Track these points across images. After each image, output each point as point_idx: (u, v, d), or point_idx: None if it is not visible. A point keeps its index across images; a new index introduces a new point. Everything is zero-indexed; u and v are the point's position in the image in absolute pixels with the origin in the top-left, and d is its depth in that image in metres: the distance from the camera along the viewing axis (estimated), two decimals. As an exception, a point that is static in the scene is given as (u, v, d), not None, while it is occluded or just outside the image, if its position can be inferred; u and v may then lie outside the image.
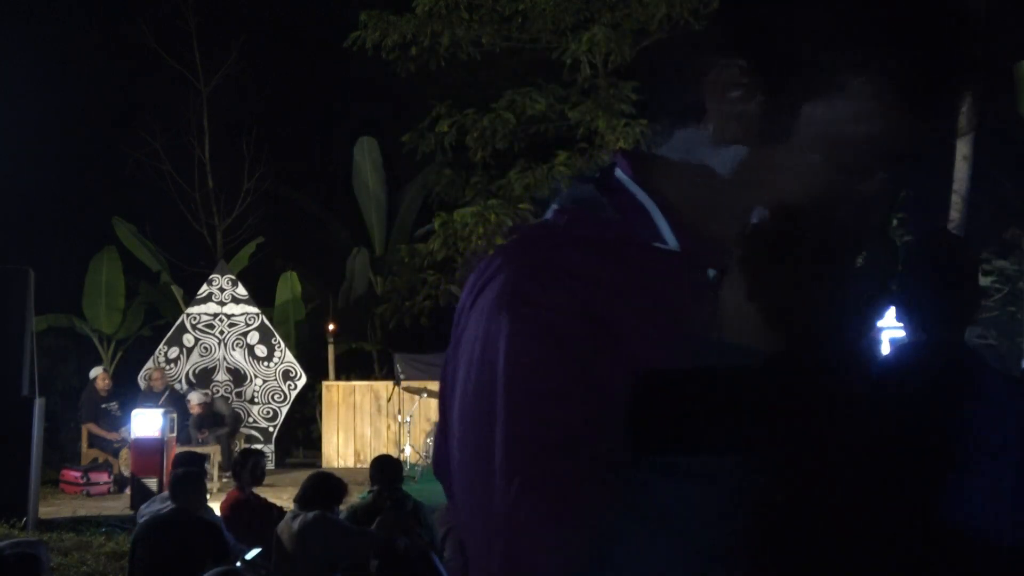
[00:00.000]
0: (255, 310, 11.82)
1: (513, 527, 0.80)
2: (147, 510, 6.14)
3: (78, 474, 10.02)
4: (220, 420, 10.30)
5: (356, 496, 5.57)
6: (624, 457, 0.78)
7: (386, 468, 5.40)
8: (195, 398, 10.38)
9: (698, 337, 0.83)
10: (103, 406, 10.50)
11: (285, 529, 4.85)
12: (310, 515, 4.78)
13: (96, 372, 10.77)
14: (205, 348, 11.68)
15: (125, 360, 13.96)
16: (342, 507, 5.22)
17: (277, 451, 11.95)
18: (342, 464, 11.72)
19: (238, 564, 5.01)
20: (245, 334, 11.74)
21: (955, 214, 12.29)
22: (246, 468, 5.94)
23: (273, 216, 16.54)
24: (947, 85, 0.81)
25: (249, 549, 5.08)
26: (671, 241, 0.88)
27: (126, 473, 9.51)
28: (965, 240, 2.27)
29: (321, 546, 4.69)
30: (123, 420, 10.07)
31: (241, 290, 11.84)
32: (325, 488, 4.98)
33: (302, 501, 4.92)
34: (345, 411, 11.89)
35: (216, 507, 6.02)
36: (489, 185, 13.92)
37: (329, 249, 16.74)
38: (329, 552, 4.72)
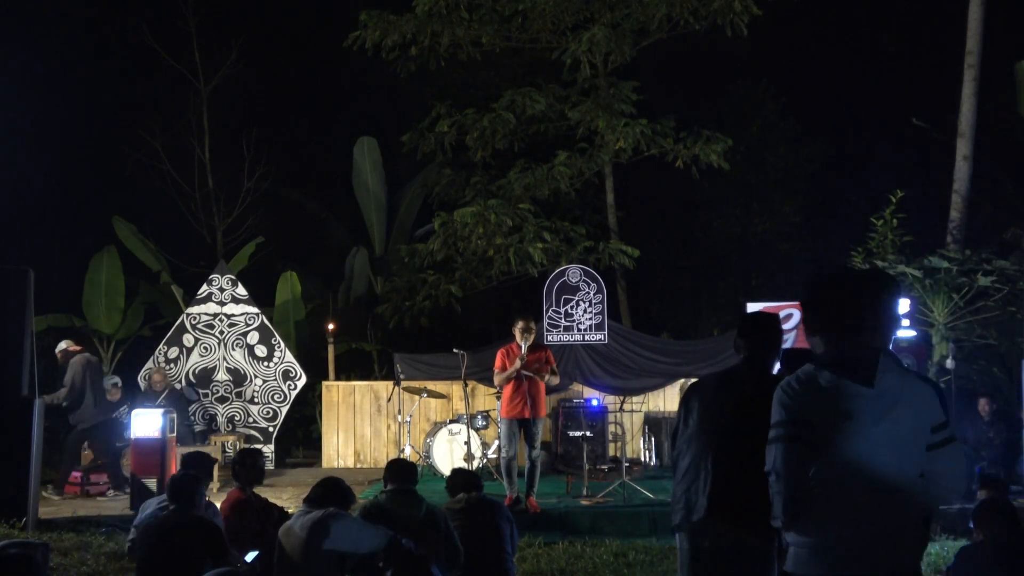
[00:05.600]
0: (255, 310, 11.82)
1: None
2: (145, 513, 6.14)
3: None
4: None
5: (359, 497, 5.53)
6: None
7: (400, 470, 5.35)
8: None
9: None
10: (113, 415, 10.33)
11: (290, 529, 4.81)
12: (320, 512, 4.75)
13: (111, 381, 10.63)
14: (205, 348, 11.68)
15: (125, 360, 13.95)
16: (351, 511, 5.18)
17: (277, 451, 11.95)
18: (342, 464, 11.72)
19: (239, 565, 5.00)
20: (245, 334, 11.74)
21: (955, 214, 12.26)
22: (244, 467, 5.92)
23: (273, 216, 16.52)
24: None
25: (245, 554, 5.05)
26: None
27: (126, 473, 9.50)
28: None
29: (332, 541, 4.65)
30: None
31: (241, 290, 11.84)
32: (337, 492, 4.94)
33: (314, 502, 4.88)
34: (345, 411, 11.90)
35: (216, 507, 6.02)
36: (489, 185, 13.88)
37: (329, 249, 16.74)
38: (341, 546, 4.68)
